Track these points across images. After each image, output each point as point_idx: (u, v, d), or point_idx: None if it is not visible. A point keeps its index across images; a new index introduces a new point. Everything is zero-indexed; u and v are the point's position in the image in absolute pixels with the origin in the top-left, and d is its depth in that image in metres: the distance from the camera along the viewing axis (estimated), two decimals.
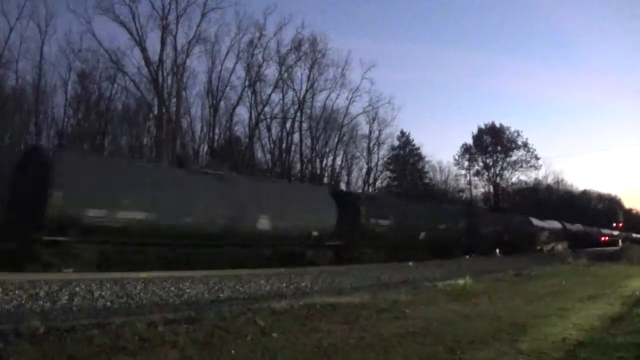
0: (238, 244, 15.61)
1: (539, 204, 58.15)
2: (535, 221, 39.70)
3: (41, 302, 8.10)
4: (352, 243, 19.84)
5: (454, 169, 64.50)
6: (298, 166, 44.37)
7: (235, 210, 15.34)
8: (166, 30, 34.13)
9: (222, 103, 39.93)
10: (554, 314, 8.18)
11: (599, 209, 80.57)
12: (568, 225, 47.35)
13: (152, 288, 9.82)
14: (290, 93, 42.61)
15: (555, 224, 44.34)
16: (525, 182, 65.36)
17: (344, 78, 44.33)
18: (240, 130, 42.32)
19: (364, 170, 49.90)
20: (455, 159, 64.88)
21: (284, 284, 12.13)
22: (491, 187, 64.57)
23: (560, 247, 41.76)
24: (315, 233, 17.84)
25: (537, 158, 65.07)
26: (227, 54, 39.08)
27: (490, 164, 64.67)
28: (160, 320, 5.57)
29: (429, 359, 5.12)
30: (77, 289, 8.87)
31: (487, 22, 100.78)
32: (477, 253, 28.19)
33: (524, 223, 37.95)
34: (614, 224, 50.44)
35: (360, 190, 45.04)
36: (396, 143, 55.88)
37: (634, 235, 58.46)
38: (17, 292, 8.21)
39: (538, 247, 39.07)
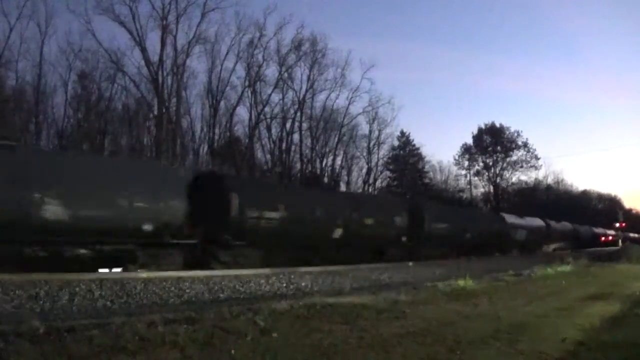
0: (15, 239, 11.08)
1: (537, 203, 58.03)
2: (510, 218, 34.60)
3: (41, 302, 8.10)
4: (218, 242, 14.99)
5: (454, 169, 64.51)
6: (298, 166, 44.42)
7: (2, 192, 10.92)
8: (166, 30, 34.11)
9: (222, 103, 39.96)
10: (553, 314, 8.20)
11: (599, 209, 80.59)
12: (553, 224, 42.21)
13: (152, 288, 9.82)
14: (290, 93, 42.64)
15: (537, 222, 39.20)
16: (526, 182, 65.52)
17: (344, 78, 44.34)
18: (240, 130, 42.36)
19: (364, 170, 49.91)
20: (455, 159, 64.89)
21: (284, 284, 12.14)
22: (491, 187, 64.62)
23: (551, 248, 39.55)
24: (147, 227, 13.11)
25: (537, 158, 65.19)
26: (227, 54, 39.09)
27: (490, 164, 64.72)
28: (160, 320, 5.57)
29: (429, 359, 5.13)
30: (77, 289, 8.87)
31: (487, 22, 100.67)
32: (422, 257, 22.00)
33: (493, 220, 32.44)
34: (616, 224, 49.32)
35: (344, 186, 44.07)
36: (396, 143, 55.89)
37: (631, 234, 58.17)
38: (17, 292, 8.22)
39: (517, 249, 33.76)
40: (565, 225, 46.24)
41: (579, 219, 54.78)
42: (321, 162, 45.71)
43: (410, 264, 18.85)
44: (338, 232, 18.65)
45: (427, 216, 23.98)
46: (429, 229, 23.70)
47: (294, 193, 20.28)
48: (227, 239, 15.10)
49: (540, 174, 67.24)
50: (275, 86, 41.06)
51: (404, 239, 21.95)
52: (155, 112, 35.23)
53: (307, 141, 44.41)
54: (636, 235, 60.77)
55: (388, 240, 21.27)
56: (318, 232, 18.17)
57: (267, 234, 16.10)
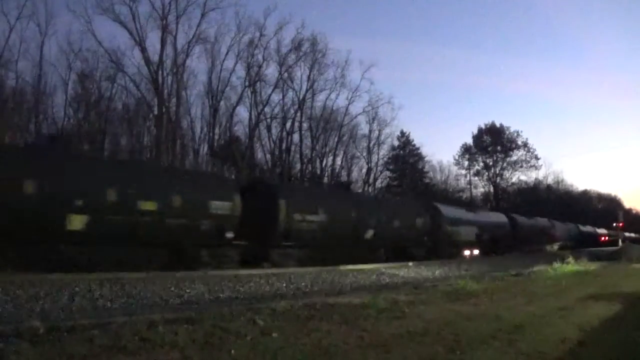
0: None
1: (538, 203, 57.99)
2: (448, 210, 26.62)
3: (41, 302, 8.10)
4: None
5: (454, 169, 64.73)
6: (298, 166, 44.43)
7: None
8: (166, 30, 34.10)
9: (222, 103, 39.93)
10: (554, 314, 8.19)
11: (599, 209, 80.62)
12: (521, 220, 35.12)
13: (152, 288, 9.82)
14: (290, 93, 42.65)
15: (496, 217, 32.57)
16: (525, 182, 65.71)
17: (343, 78, 44.31)
18: (240, 130, 42.37)
19: (364, 170, 49.98)
20: (455, 159, 65.14)
21: (284, 284, 12.14)
22: (491, 187, 64.80)
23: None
24: None
25: (537, 158, 65.58)
26: (227, 54, 39.05)
27: (490, 163, 64.91)
28: (160, 320, 5.57)
29: (429, 359, 5.12)
30: (77, 289, 8.88)
31: (487, 22, 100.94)
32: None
33: (419, 212, 24.13)
34: (615, 224, 49.16)
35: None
36: (396, 143, 55.95)
37: (627, 234, 58.08)
38: (17, 292, 8.21)
39: (464, 253, 26.64)
40: (540, 221, 39.61)
41: (578, 219, 54.70)
42: (321, 162, 45.76)
43: (410, 264, 18.84)
44: (77, 223, 11.93)
45: (283, 203, 16.62)
46: (289, 222, 16.57)
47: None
48: None
49: (540, 174, 67.59)
50: (275, 86, 41.08)
51: (230, 235, 15.11)
52: (155, 112, 35.21)
53: (307, 141, 44.46)
54: (633, 235, 60.72)
55: (193, 236, 14.24)
56: (27, 219, 11.22)
57: None
